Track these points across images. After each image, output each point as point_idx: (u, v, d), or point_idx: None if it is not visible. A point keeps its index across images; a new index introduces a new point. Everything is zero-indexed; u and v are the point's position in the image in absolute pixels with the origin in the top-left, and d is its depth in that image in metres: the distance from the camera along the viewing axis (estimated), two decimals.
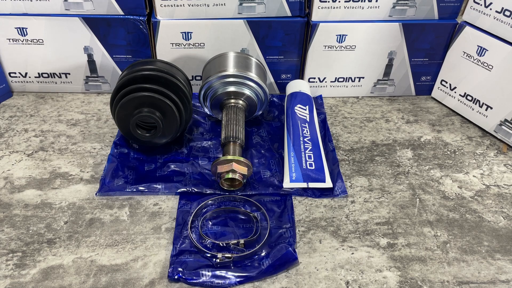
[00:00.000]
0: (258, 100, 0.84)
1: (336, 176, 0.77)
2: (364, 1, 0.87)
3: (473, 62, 0.89)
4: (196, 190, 0.74)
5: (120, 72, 0.94)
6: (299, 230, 0.69)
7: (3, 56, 0.92)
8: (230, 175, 0.71)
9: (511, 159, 0.84)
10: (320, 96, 0.98)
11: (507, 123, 0.86)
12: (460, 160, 0.83)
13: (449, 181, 0.78)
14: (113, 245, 0.66)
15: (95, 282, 0.61)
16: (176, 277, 0.61)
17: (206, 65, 0.88)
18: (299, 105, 0.87)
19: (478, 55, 0.87)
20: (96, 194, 0.73)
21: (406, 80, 0.98)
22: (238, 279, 0.61)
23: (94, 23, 0.87)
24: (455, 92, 0.95)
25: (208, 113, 0.88)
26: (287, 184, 0.75)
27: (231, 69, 0.82)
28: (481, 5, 0.85)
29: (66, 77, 0.95)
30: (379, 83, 0.98)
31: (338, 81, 0.97)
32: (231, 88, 0.82)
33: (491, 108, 0.88)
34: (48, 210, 0.71)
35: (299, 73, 0.97)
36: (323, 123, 0.89)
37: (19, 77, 0.95)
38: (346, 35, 0.90)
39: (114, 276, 0.61)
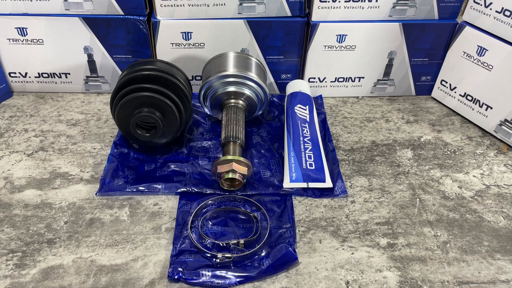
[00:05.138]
0: (258, 100, 0.84)
1: (336, 176, 0.77)
2: (364, 1, 0.87)
3: (473, 62, 0.89)
4: (196, 190, 0.74)
5: (120, 72, 0.94)
6: (299, 230, 0.69)
7: (3, 56, 0.92)
8: (230, 175, 0.71)
9: (511, 159, 0.84)
10: (320, 96, 0.98)
11: (507, 123, 0.86)
12: (460, 160, 0.83)
13: (449, 181, 0.78)
14: (113, 245, 0.66)
15: (95, 282, 0.61)
16: (176, 277, 0.61)
17: (206, 65, 0.88)
18: (299, 105, 0.87)
19: (478, 55, 0.87)
20: (96, 194, 0.73)
21: (406, 80, 0.98)
22: (238, 279, 0.61)
23: (94, 23, 0.87)
24: (455, 92, 0.95)
25: (208, 113, 0.88)
26: (287, 184, 0.75)
27: (231, 69, 0.82)
28: (481, 5, 0.85)
29: (66, 77, 0.95)
30: (379, 83, 0.98)
31: (338, 81, 0.97)
32: (231, 88, 0.82)
33: (491, 108, 0.88)
34: (48, 210, 0.71)
35: (299, 73, 0.97)
36: (323, 123, 0.89)
37: (19, 77, 0.95)
38: (346, 35, 0.90)
39: (114, 276, 0.61)
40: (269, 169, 0.79)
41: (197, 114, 0.91)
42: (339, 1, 0.87)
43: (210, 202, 0.72)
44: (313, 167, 0.76)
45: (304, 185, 0.75)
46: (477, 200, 0.75)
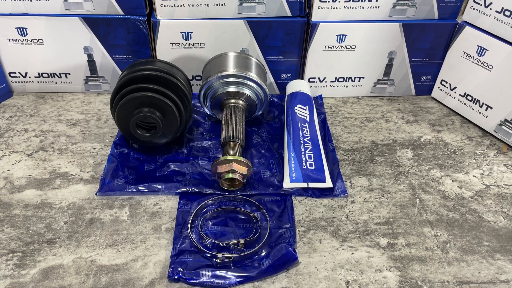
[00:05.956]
0: (258, 100, 0.84)
1: (336, 176, 0.77)
2: (364, 1, 0.87)
3: (473, 62, 0.89)
4: (196, 190, 0.74)
5: (120, 72, 0.94)
6: (299, 230, 0.69)
7: (3, 56, 0.92)
8: (230, 175, 0.71)
9: (511, 159, 0.84)
10: (320, 96, 0.98)
11: (507, 123, 0.86)
12: (460, 160, 0.83)
13: (449, 181, 0.78)
14: (113, 245, 0.66)
15: (95, 282, 0.61)
16: (176, 277, 0.61)
17: (206, 65, 0.88)
18: (299, 105, 0.87)
19: (478, 55, 0.87)
20: (96, 194, 0.73)
21: (406, 80, 0.98)
22: (238, 279, 0.61)
23: (94, 23, 0.87)
24: (455, 92, 0.95)
25: (208, 113, 0.88)
26: (287, 184, 0.75)
27: (231, 69, 0.82)
28: (481, 5, 0.85)
29: (66, 77, 0.95)
30: (379, 83, 0.98)
31: (338, 81, 0.97)
32: (231, 88, 0.82)
33: (491, 108, 0.88)
34: (48, 210, 0.71)
35: (299, 73, 0.97)
36: (323, 123, 0.89)
37: (19, 77, 0.95)
38: (346, 35, 0.90)
39: (114, 276, 0.61)
40: (269, 169, 0.79)
41: (197, 114, 0.91)
42: (339, 1, 0.87)
43: (210, 202, 0.72)
44: (313, 167, 0.76)
45: (304, 185, 0.75)
46: (477, 200, 0.75)
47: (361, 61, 0.95)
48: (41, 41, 0.89)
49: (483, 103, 0.89)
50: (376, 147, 0.86)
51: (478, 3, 0.85)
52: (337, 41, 0.91)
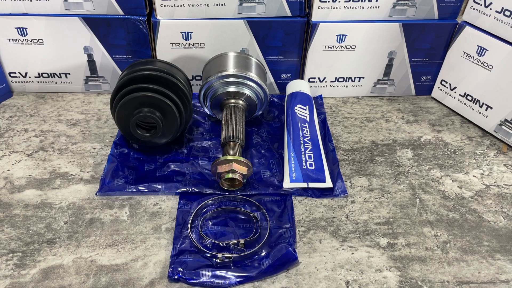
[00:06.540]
0: (258, 100, 0.84)
1: (336, 176, 0.77)
2: (364, 1, 0.87)
3: (473, 62, 0.89)
4: (196, 190, 0.74)
5: (120, 72, 0.94)
6: (299, 230, 0.69)
7: (3, 56, 0.92)
8: (230, 175, 0.71)
9: (511, 159, 0.84)
10: (320, 96, 0.98)
11: (507, 123, 0.86)
12: (460, 160, 0.83)
13: (449, 181, 0.78)
14: (113, 245, 0.66)
15: (95, 282, 0.61)
16: (176, 277, 0.61)
17: (206, 65, 0.88)
18: (299, 105, 0.87)
19: (478, 55, 0.87)
20: (96, 194, 0.73)
21: (406, 80, 0.98)
22: (238, 279, 0.61)
23: (94, 23, 0.87)
24: (455, 92, 0.95)
25: (208, 113, 0.88)
26: (287, 184, 0.75)
27: (231, 69, 0.82)
28: (481, 5, 0.85)
29: (66, 77, 0.95)
30: (379, 83, 0.98)
31: (338, 81, 0.97)
32: (231, 88, 0.82)
33: (491, 108, 0.88)
34: (48, 210, 0.71)
35: (299, 73, 0.97)
36: (323, 123, 0.89)
37: (19, 77, 0.95)
38: (346, 35, 0.90)
39: (114, 276, 0.61)
40: (269, 169, 0.79)
41: (197, 114, 0.91)
42: (339, 1, 0.87)
43: (210, 202, 0.72)
44: (313, 167, 0.76)
45: (304, 185, 0.75)
46: (477, 200, 0.75)
47: (361, 61, 0.95)
48: (41, 41, 0.89)
49: (483, 103, 0.89)
50: (376, 147, 0.86)
51: (478, 3, 0.85)
52: (337, 41, 0.91)
